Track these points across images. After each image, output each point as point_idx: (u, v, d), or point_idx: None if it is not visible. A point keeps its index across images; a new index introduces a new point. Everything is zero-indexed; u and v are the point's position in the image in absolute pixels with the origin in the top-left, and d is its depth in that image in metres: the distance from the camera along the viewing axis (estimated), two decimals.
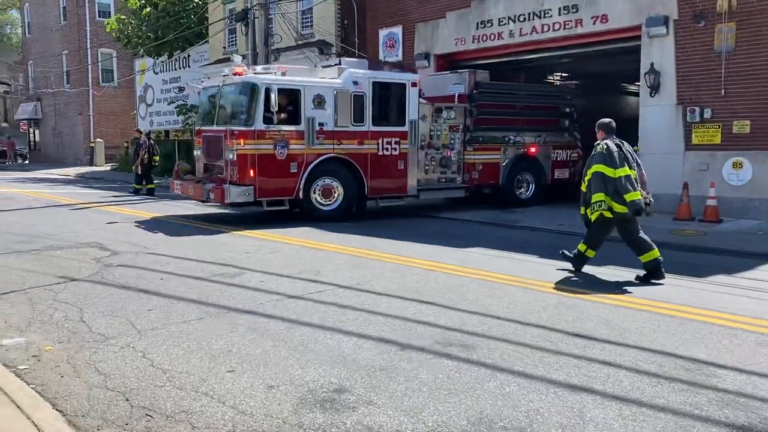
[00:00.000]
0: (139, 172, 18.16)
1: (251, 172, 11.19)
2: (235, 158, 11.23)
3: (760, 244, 9.52)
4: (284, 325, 5.31)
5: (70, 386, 4.04)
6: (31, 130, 45.05)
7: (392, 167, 12.60)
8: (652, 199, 7.11)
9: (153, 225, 11.53)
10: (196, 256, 8.28)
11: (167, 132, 29.55)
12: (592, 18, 13.79)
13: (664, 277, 6.95)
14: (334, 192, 12.04)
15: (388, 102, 12.65)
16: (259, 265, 7.72)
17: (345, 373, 4.23)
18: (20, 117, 44.87)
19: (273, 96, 10.98)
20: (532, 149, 14.70)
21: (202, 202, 12.50)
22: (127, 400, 3.83)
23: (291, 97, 11.54)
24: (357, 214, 12.46)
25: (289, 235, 10.16)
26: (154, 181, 18.34)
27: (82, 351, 4.67)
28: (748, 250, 9.09)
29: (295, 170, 11.55)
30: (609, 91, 20.92)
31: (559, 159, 15.23)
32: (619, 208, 6.89)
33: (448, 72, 15.77)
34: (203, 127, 12.59)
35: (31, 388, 3.99)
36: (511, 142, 14.42)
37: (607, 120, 7.40)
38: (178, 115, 26.18)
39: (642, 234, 7.15)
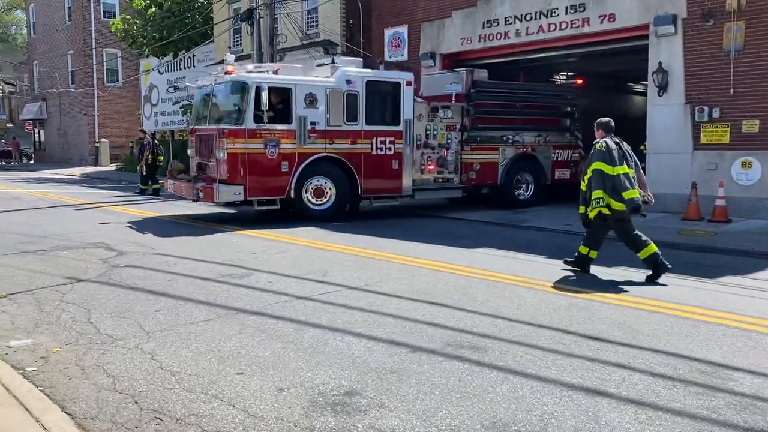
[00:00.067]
0: (144, 173, 18.17)
1: (241, 172, 11.14)
2: (225, 157, 11.18)
3: None
4: (293, 326, 5.27)
5: (78, 389, 4.00)
6: (36, 131, 45.21)
7: (386, 167, 12.49)
8: (650, 199, 7.15)
9: (159, 225, 11.51)
10: (203, 257, 8.24)
11: (172, 132, 29.56)
12: (599, 17, 13.71)
13: (669, 267, 6.93)
14: (327, 192, 11.95)
15: (382, 101, 12.50)
16: (267, 266, 7.68)
17: (355, 376, 4.18)
18: (25, 117, 45.02)
19: (263, 95, 10.92)
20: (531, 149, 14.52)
21: (194, 201, 12.44)
22: (137, 402, 3.79)
23: (282, 96, 11.48)
24: (351, 214, 12.37)
25: (295, 236, 10.12)
26: (159, 182, 18.32)
27: (90, 353, 4.64)
28: (759, 250, 9.00)
29: (287, 169, 11.48)
30: (615, 91, 20.85)
31: (559, 159, 15.02)
32: (616, 205, 6.91)
33: (445, 71, 15.70)
34: (197, 126, 12.54)
35: (40, 390, 3.95)
36: (510, 141, 14.25)
37: (605, 119, 7.43)
38: (182, 115, 26.18)
39: (638, 232, 7.16)
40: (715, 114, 12.14)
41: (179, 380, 4.11)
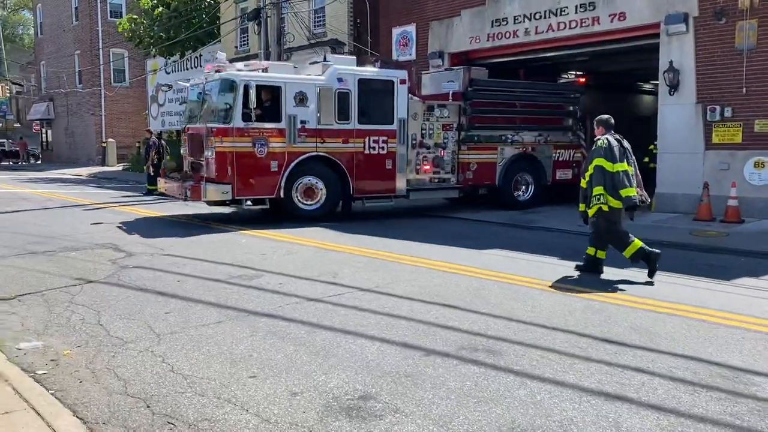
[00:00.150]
0: (151, 173, 18.14)
1: (229, 170, 11.06)
2: (213, 156, 11.11)
3: None
4: (305, 329, 5.21)
5: (89, 392, 3.95)
6: (44, 131, 45.31)
7: (379, 167, 12.31)
8: (646, 199, 7.18)
9: (167, 225, 11.47)
10: (212, 258, 8.19)
11: (178, 132, 29.55)
12: (609, 16, 13.59)
13: (659, 254, 6.96)
14: (317, 192, 11.82)
15: (375, 99, 12.30)
16: (277, 267, 7.62)
17: (370, 380, 4.11)
18: (32, 117, 45.15)
19: (252, 93, 10.80)
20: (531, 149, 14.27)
21: (183, 200, 12.29)
22: (148, 407, 3.73)
23: (271, 94, 11.39)
24: (344, 215, 12.25)
25: (303, 236, 10.06)
26: None
27: (100, 355, 4.59)
28: None
29: (276, 169, 11.38)
30: (625, 90, 20.66)
31: (561, 159, 14.65)
32: (614, 202, 6.93)
33: (444, 69, 15.57)
34: (189, 125, 12.46)
35: (51, 394, 3.90)
36: (509, 141, 13.94)
37: (606, 116, 7.44)
38: None
39: (625, 229, 7.17)
40: (727, 113, 12.02)
41: (191, 384, 4.06)
